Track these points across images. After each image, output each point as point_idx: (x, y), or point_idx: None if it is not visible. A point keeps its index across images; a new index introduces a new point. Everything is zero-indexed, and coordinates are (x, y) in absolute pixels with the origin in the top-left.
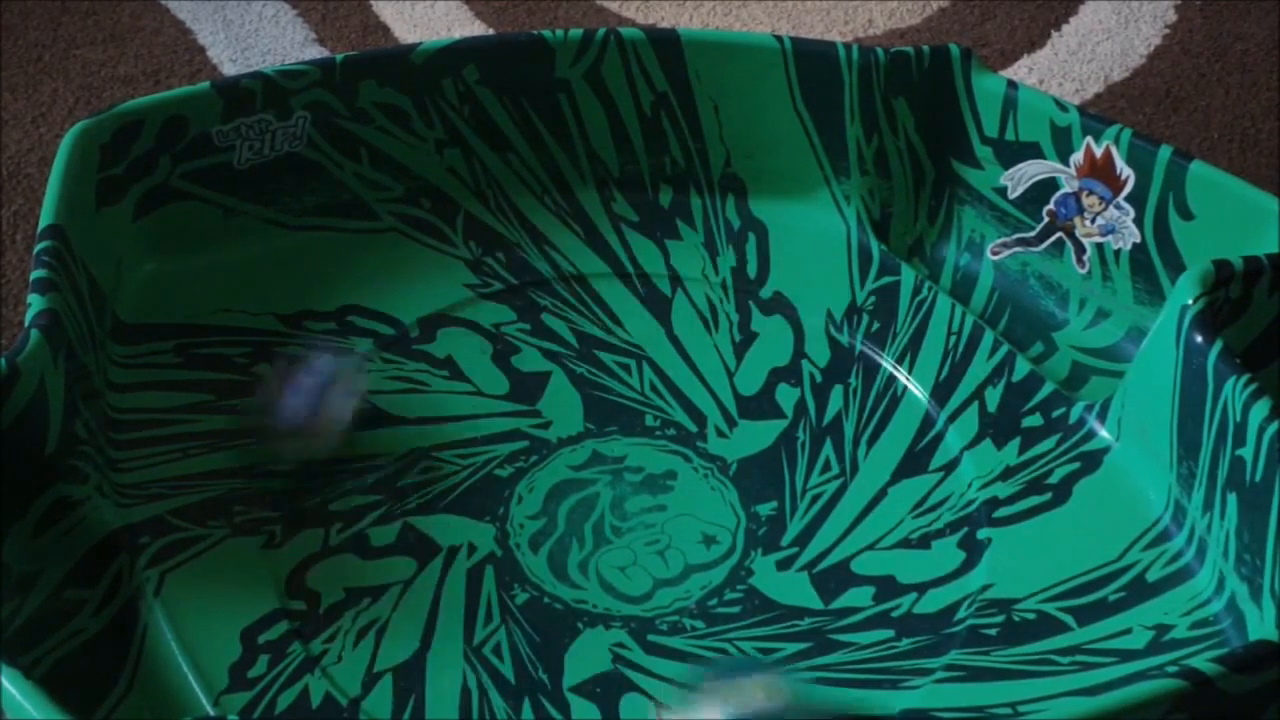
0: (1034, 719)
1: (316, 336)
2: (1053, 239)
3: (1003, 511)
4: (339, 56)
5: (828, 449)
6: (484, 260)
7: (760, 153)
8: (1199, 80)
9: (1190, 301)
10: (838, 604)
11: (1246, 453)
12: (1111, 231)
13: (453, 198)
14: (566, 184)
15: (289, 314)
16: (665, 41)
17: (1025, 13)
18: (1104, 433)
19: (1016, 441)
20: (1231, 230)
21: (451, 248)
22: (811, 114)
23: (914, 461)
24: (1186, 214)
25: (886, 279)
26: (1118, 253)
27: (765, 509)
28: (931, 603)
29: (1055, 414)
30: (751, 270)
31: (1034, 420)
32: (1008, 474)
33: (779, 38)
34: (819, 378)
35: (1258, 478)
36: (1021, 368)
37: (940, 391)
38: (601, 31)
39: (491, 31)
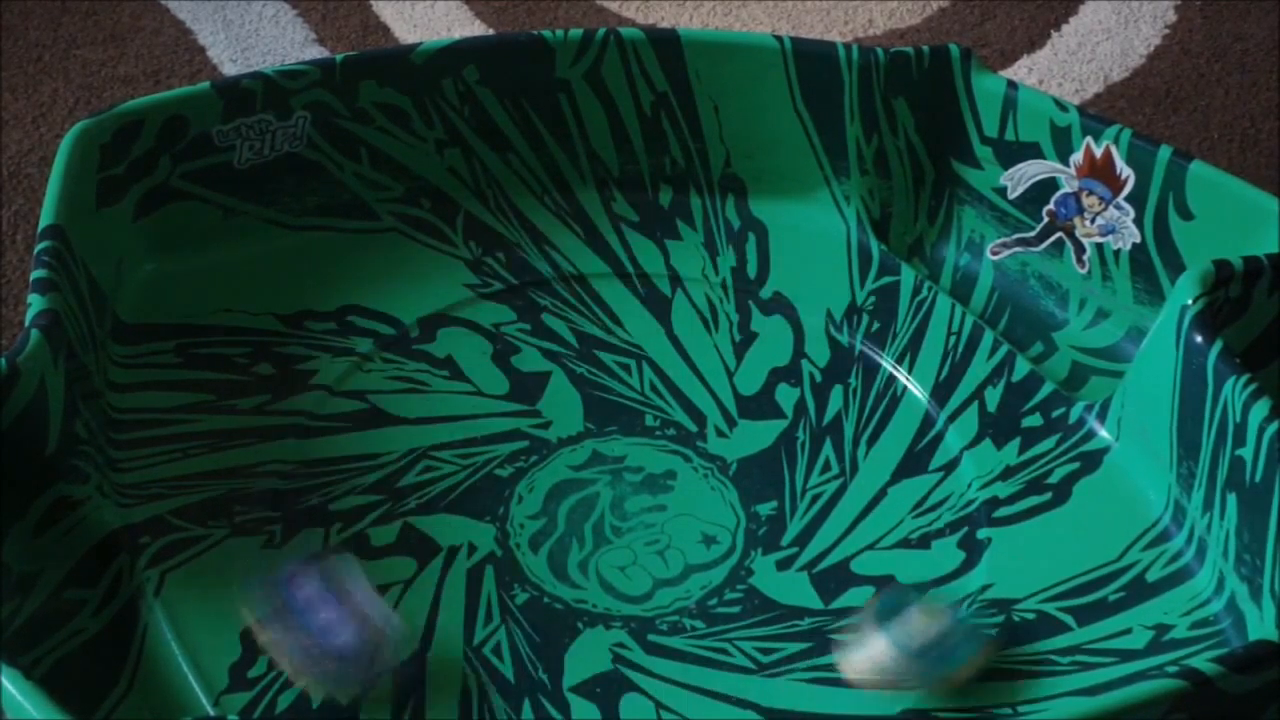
0: (1034, 719)
1: (317, 337)
2: (1053, 239)
3: (1003, 511)
4: (339, 56)
5: (828, 449)
6: (484, 260)
7: (760, 153)
8: (1199, 80)
9: (1190, 301)
10: (838, 604)
11: (1246, 453)
12: (1111, 231)
13: (453, 198)
14: (566, 184)
15: (289, 314)
16: (665, 41)
17: (1025, 13)
18: (1104, 433)
19: (1016, 441)
20: (1231, 230)
21: (451, 248)
22: (811, 114)
23: (914, 461)
24: (1186, 214)
25: (886, 279)
26: (1118, 253)
27: (765, 509)
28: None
29: (1055, 414)
30: (751, 270)
31: (1034, 420)
32: (1008, 474)
33: (779, 38)
34: (819, 378)
35: (1258, 478)
36: (1021, 368)
37: (940, 391)
38: (601, 31)
39: (491, 31)
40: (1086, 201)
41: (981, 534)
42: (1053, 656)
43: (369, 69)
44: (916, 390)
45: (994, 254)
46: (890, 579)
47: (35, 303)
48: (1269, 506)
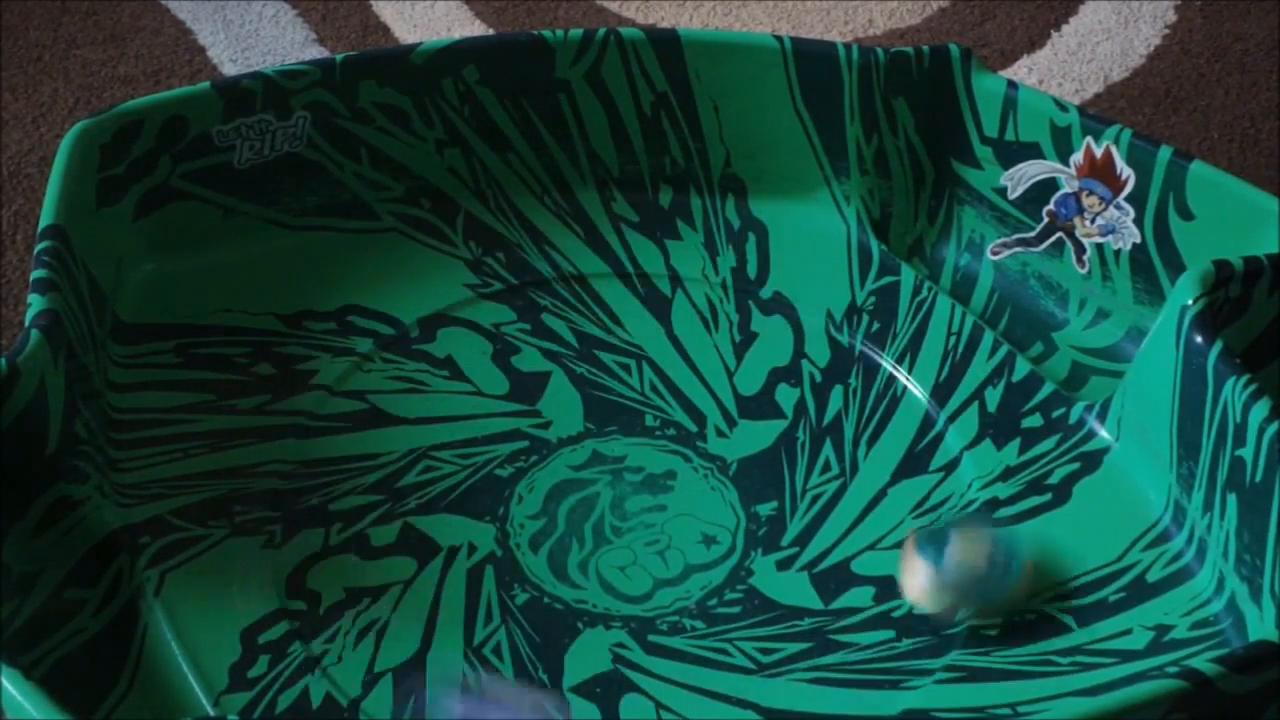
0: (1034, 719)
1: (317, 337)
2: (1053, 239)
3: (1003, 512)
4: (339, 56)
5: (828, 449)
6: (484, 260)
7: (760, 153)
8: (1199, 80)
9: (1190, 302)
10: (838, 604)
11: (1246, 453)
12: (1111, 231)
13: (453, 198)
14: (566, 184)
15: (289, 314)
16: (665, 41)
17: (1025, 13)
18: (1104, 433)
19: (1016, 442)
20: (1231, 230)
21: (451, 248)
22: (811, 114)
23: (914, 462)
24: (1186, 214)
25: (886, 279)
26: (1118, 253)
27: (765, 509)
28: None
29: (1055, 414)
30: (751, 270)
31: (1034, 420)
32: (1008, 474)
33: (779, 38)
34: (819, 378)
35: (1258, 478)
36: (1021, 368)
37: (940, 392)
38: (601, 31)
39: (491, 31)
40: (1087, 202)
41: None
42: (1053, 657)
43: (369, 69)
44: (917, 390)
45: (994, 254)
46: (891, 579)
47: (35, 303)
48: (1269, 507)
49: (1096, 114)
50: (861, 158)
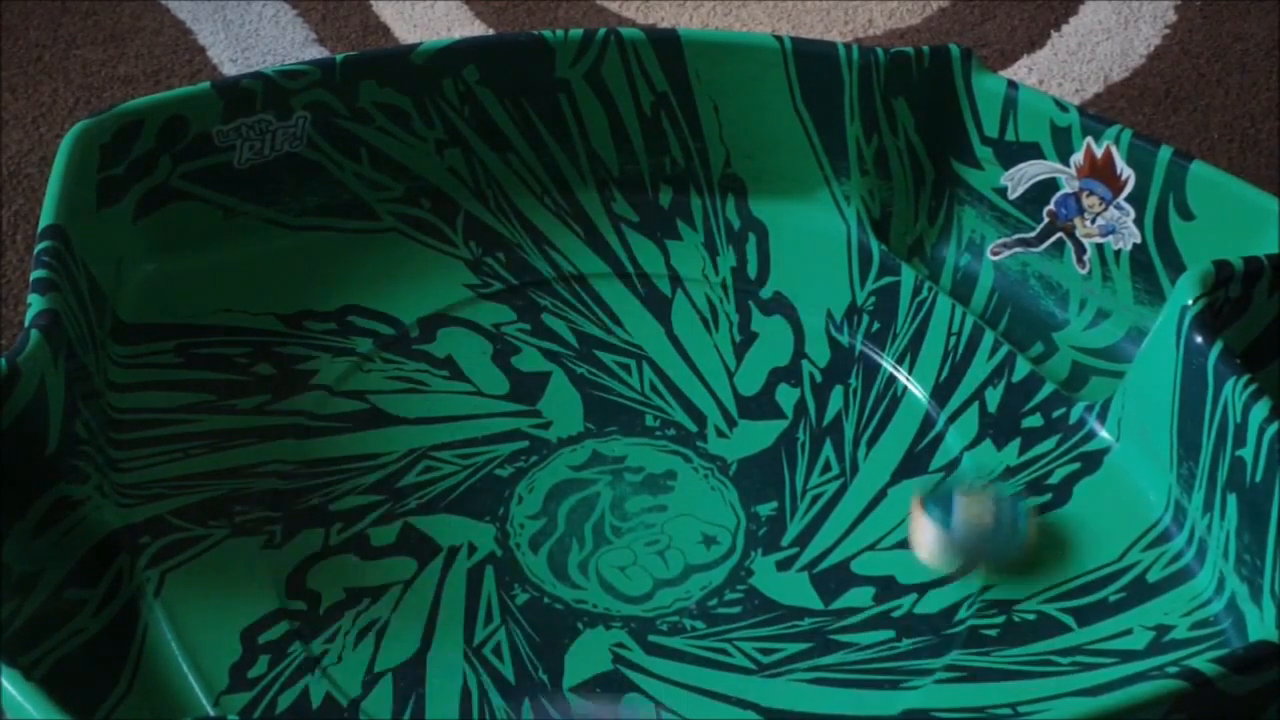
0: (1034, 719)
1: (317, 337)
2: (1053, 239)
3: None
4: (339, 56)
5: (828, 449)
6: (484, 260)
7: (760, 153)
8: (1199, 80)
9: (1190, 302)
10: (838, 604)
11: (1246, 453)
12: (1112, 232)
13: (453, 198)
14: (566, 184)
15: (289, 314)
16: (665, 41)
17: (1025, 13)
18: (1104, 433)
19: (1017, 442)
20: (1231, 230)
21: (451, 248)
22: (811, 114)
23: (914, 462)
24: (1187, 214)
25: (886, 279)
26: (1118, 253)
27: (765, 509)
28: (932, 603)
29: (1055, 414)
30: (751, 270)
31: (1034, 421)
32: (1008, 474)
33: (779, 38)
34: (819, 378)
35: (1258, 478)
36: (1021, 368)
37: (940, 392)
38: (601, 31)
39: (491, 31)
40: (1087, 202)
41: None
42: (1053, 657)
43: (369, 69)
44: (917, 391)
45: (994, 254)
46: (891, 579)
47: (35, 303)
48: (1269, 507)
49: (1096, 114)
50: (862, 158)
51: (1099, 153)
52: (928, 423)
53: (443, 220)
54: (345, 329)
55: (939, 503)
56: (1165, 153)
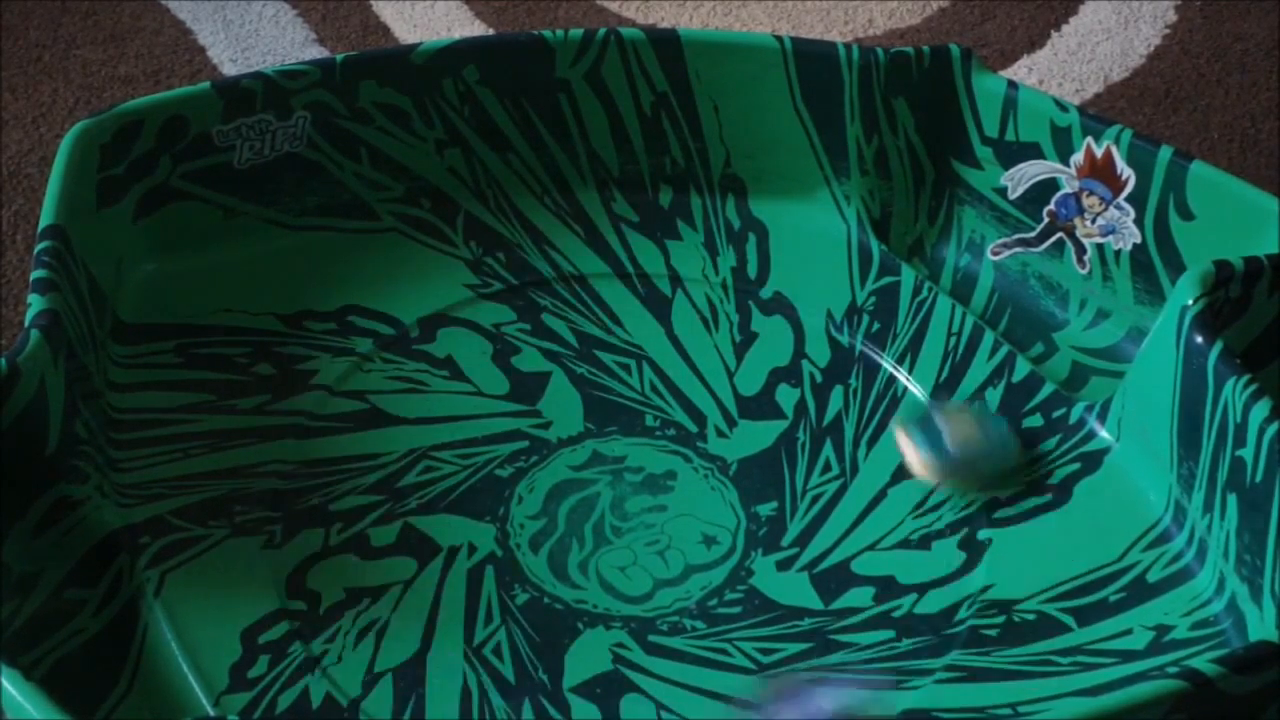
0: (1034, 719)
1: (317, 337)
2: (1053, 239)
3: (1003, 512)
4: (339, 56)
5: (828, 449)
6: (484, 260)
7: (760, 153)
8: (1199, 80)
9: (1190, 302)
10: (838, 604)
11: (1247, 453)
12: (1112, 232)
13: (453, 198)
14: (566, 184)
15: (289, 314)
16: (665, 41)
17: (1025, 13)
18: (1104, 433)
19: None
20: (1231, 230)
21: (451, 248)
22: (811, 114)
23: None
24: (1187, 214)
25: (886, 279)
26: (1118, 253)
27: (765, 509)
28: (932, 603)
29: (1055, 414)
30: (751, 270)
31: (1034, 421)
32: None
33: (779, 38)
34: (819, 378)
35: (1258, 478)
36: (1021, 368)
37: (941, 392)
38: (601, 31)
39: (491, 31)
40: (1087, 202)
41: (982, 535)
42: (1053, 657)
43: (369, 69)
44: (917, 391)
45: (994, 254)
46: (891, 579)
47: (35, 303)
48: (1269, 507)
49: (1096, 114)
50: (862, 158)
51: (1099, 153)
52: None
53: (443, 220)
54: (345, 329)
55: (922, 428)
56: (1165, 153)
